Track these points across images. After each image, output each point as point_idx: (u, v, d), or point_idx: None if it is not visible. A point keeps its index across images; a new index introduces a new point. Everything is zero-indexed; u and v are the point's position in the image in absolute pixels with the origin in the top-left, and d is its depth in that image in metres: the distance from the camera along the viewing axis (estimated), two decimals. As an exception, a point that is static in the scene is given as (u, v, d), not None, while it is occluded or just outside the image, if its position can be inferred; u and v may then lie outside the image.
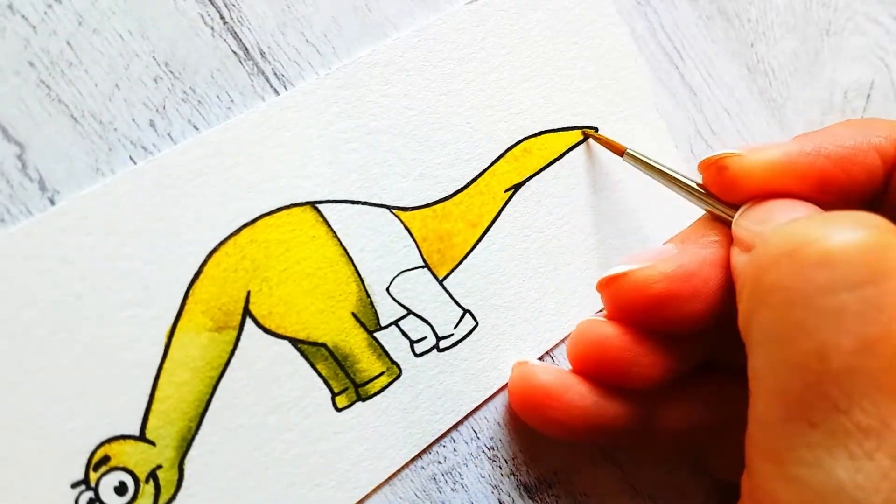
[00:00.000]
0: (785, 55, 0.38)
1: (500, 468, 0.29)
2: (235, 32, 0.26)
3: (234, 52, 0.26)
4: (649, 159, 0.28)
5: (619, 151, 0.29)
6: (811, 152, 0.23)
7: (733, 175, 0.24)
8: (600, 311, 0.28)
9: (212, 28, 0.25)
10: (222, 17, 0.25)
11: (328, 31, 0.27)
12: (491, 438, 0.29)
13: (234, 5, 0.26)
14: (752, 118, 0.36)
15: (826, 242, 0.19)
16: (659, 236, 0.33)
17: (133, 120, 0.24)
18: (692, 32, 0.35)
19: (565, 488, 0.30)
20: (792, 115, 0.38)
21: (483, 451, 0.29)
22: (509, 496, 0.29)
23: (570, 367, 0.27)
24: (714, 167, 0.25)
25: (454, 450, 0.28)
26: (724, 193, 0.25)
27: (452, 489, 0.28)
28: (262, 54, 0.26)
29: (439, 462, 0.28)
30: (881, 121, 0.24)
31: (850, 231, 0.19)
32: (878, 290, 0.18)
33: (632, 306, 0.25)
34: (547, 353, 0.30)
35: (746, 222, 0.24)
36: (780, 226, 0.21)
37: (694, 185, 0.27)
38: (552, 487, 0.29)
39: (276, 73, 0.26)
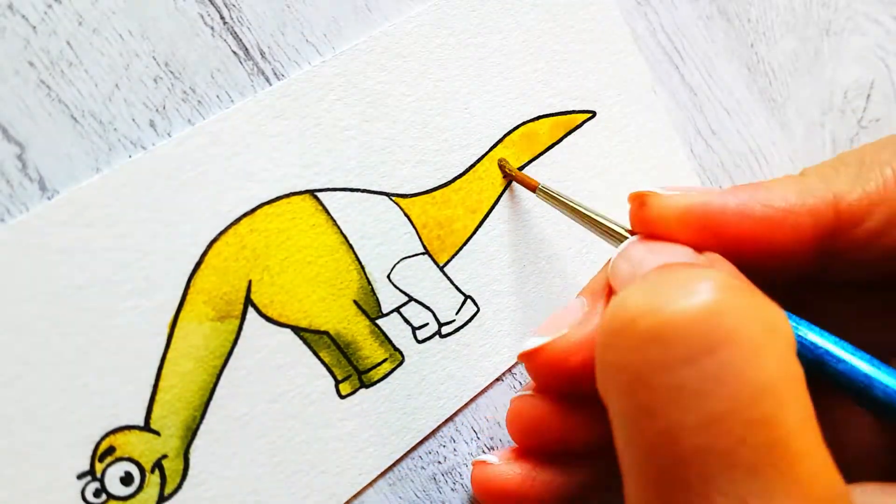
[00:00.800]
0: (785, 55, 0.37)
1: None
2: (235, 32, 0.26)
3: (234, 52, 0.26)
4: (561, 196, 0.27)
5: (532, 187, 0.28)
6: (734, 208, 0.21)
7: (649, 215, 0.22)
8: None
9: (212, 28, 0.25)
10: (222, 17, 0.25)
11: (328, 31, 0.27)
12: (491, 438, 0.29)
13: (234, 5, 0.26)
14: (752, 118, 0.36)
15: (657, 316, 0.17)
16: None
17: (133, 120, 0.24)
18: (692, 32, 0.35)
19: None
20: (792, 115, 0.38)
21: (483, 451, 0.29)
22: (509, 496, 0.29)
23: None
24: (636, 201, 0.23)
25: (454, 450, 0.28)
26: (641, 231, 0.23)
27: (452, 489, 0.28)
28: (262, 54, 0.26)
29: (439, 462, 0.28)
30: (825, 174, 0.22)
31: (682, 298, 0.17)
32: (715, 360, 0.16)
33: (554, 381, 0.24)
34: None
35: (617, 268, 0.22)
36: (615, 299, 0.19)
37: (605, 223, 0.25)
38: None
39: (276, 73, 0.26)
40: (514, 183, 0.30)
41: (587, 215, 0.26)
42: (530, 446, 0.26)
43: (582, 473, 0.25)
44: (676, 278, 0.18)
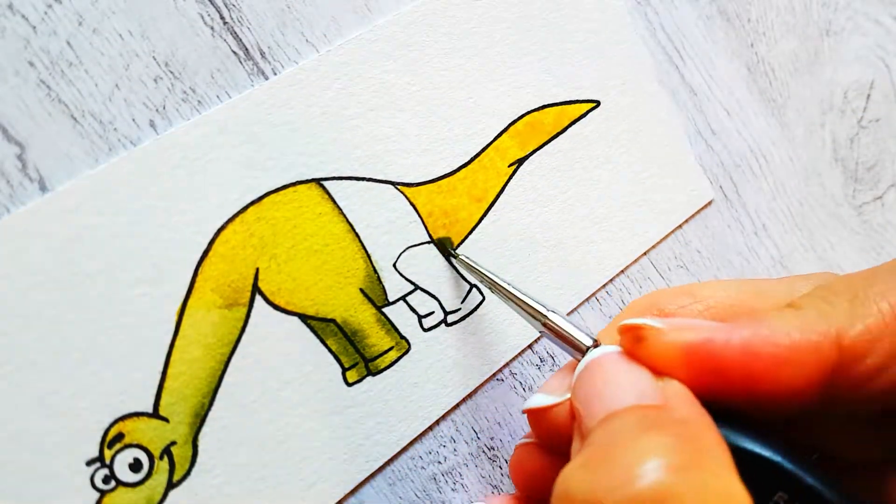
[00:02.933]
0: (785, 55, 0.38)
1: (501, 468, 0.29)
2: (235, 32, 0.26)
3: (234, 52, 0.26)
4: (501, 284, 0.26)
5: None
6: (738, 345, 0.20)
7: (648, 351, 0.21)
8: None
9: (212, 28, 0.25)
10: (222, 17, 0.25)
11: (328, 31, 0.27)
12: (491, 439, 0.29)
13: (234, 5, 0.26)
14: (752, 118, 0.37)
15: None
16: (663, 207, 0.33)
17: (133, 120, 0.24)
18: (692, 32, 0.35)
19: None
20: (792, 115, 0.38)
21: (483, 451, 0.29)
22: (509, 496, 0.29)
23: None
24: (631, 335, 0.22)
25: (454, 450, 0.28)
26: (639, 360, 0.22)
27: (452, 489, 0.28)
28: (262, 54, 0.26)
29: (439, 462, 0.28)
30: (820, 307, 0.21)
31: (627, 484, 0.17)
32: None
33: (555, 439, 0.24)
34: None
35: (578, 400, 0.22)
36: (563, 474, 0.19)
37: (565, 327, 0.24)
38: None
39: (276, 74, 0.26)
40: (518, 172, 0.30)
41: (541, 314, 0.25)
42: (531, 495, 0.26)
43: None
44: (623, 454, 0.18)
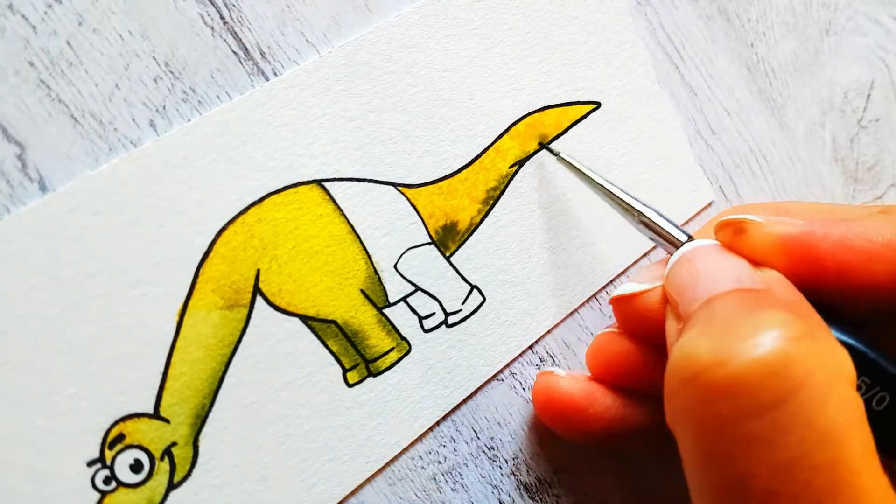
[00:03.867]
0: (785, 55, 0.38)
1: (500, 468, 0.29)
2: (235, 32, 0.26)
3: (234, 52, 0.26)
4: (609, 185, 0.27)
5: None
6: (836, 238, 0.22)
7: (750, 242, 0.23)
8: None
9: (212, 28, 0.25)
10: (222, 17, 0.25)
11: (328, 31, 0.27)
12: (491, 438, 0.29)
13: (234, 5, 0.26)
14: (752, 118, 0.37)
15: (724, 369, 0.18)
16: (664, 208, 0.33)
17: (133, 120, 0.24)
18: (692, 32, 0.35)
19: (566, 488, 0.30)
20: (792, 115, 0.38)
21: (483, 451, 0.29)
22: (509, 496, 0.29)
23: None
24: (731, 228, 0.23)
25: (454, 450, 0.28)
26: (739, 253, 0.24)
27: (452, 489, 0.28)
28: (262, 54, 0.26)
29: (439, 462, 0.28)
30: None
31: (749, 349, 0.18)
32: (784, 412, 0.17)
33: (640, 326, 0.25)
34: (553, 328, 0.30)
35: (673, 287, 0.23)
36: (682, 342, 0.19)
37: (659, 223, 0.25)
38: (552, 487, 0.30)
39: (276, 74, 0.26)
40: (519, 173, 0.30)
41: (637, 210, 0.26)
42: (605, 379, 0.27)
43: (646, 414, 0.26)
44: (743, 325, 0.18)
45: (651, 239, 0.26)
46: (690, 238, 0.24)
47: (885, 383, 0.21)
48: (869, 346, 0.21)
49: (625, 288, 0.25)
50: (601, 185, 0.27)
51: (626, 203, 0.26)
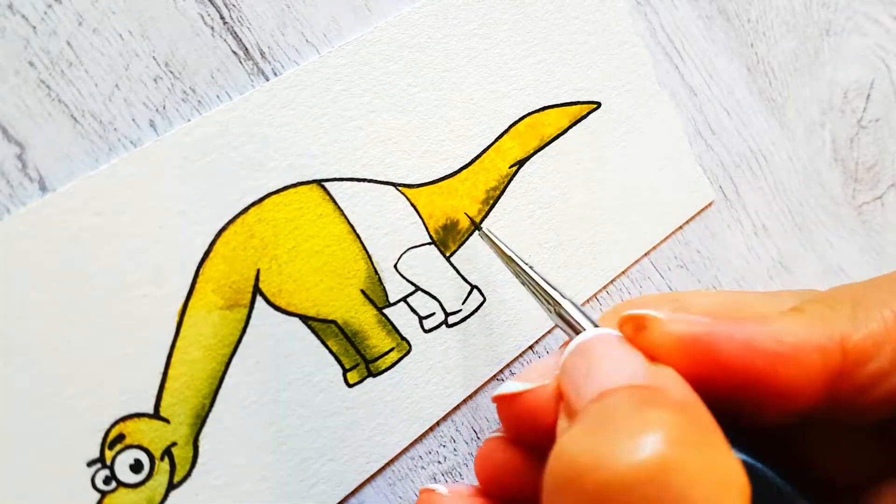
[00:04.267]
0: (785, 55, 0.38)
1: None
2: (235, 32, 0.26)
3: (234, 52, 0.26)
4: (512, 254, 0.26)
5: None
6: (741, 340, 0.20)
7: (649, 340, 0.21)
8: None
9: (212, 28, 0.25)
10: (222, 17, 0.25)
11: (328, 31, 0.27)
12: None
13: (234, 5, 0.26)
14: (752, 118, 0.37)
15: (602, 474, 0.17)
16: (664, 208, 0.33)
17: (133, 120, 0.24)
18: (692, 32, 0.35)
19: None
20: (792, 115, 0.38)
21: None
22: (509, 495, 0.29)
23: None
24: (631, 324, 0.22)
25: (454, 450, 0.28)
26: (638, 347, 0.22)
27: None
28: (262, 54, 0.26)
29: (439, 462, 0.28)
30: (823, 312, 0.21)
31: (629, 453, 0.16)
32: None
33: (526, 430, 0.23)
34: (554, 327, 0.30)
35: (565, 379, 0.21)
36: (561, 441, 0.18)
37: (565, 306, 0.24)
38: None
39: (276, 74, 0.26)
40: (519, 173, 0.30)
41: (539, 285, 0.25)
42: (493, 492, 0.25)
43: None
44: (625, 425, 0.17)
45: (559, 327, 0.24)
46: (594, 326, 0.23)
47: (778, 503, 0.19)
48: (764, 461, 0.20)
49: (507, 386, 0.23)
50: (521, 269, 0.25)
51: (543, 290, 0.25)
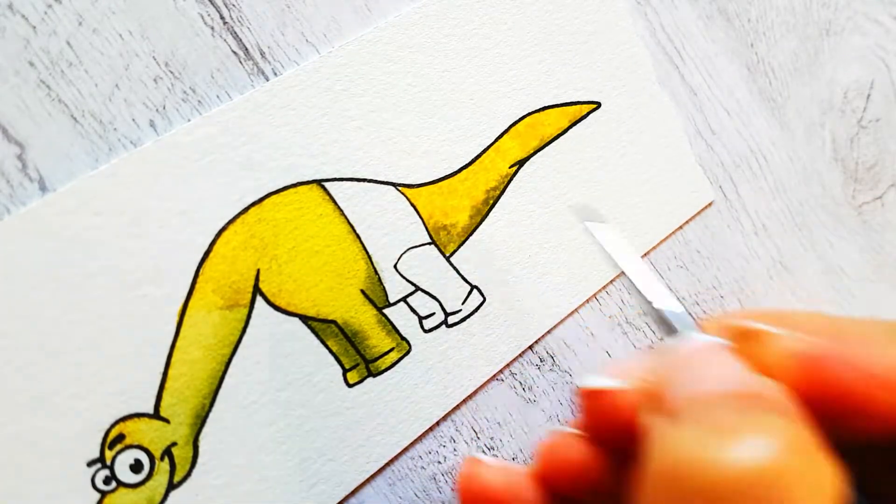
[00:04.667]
0: (785, 55, 0.38)
1: None
2: (235, 32, 0.26)
3: (234, 52, 0.26)
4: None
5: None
6: (857, 364, 0.20)
7: (763, 354, 0.21)
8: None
9: (212, 28, 0.25)
10: (222, 17, 0.25)
11: (328, 31, 0.27)
12: (491, 438, 0.29)
13: (234, 5, 0.26)
14: (752, 118, 0.37)
15: (711, 473, 0.17)
16: (664, 208, 0.33)
17: (133, 120, 0.24)
18: (692, 32, 0.35)
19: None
20: (792, 115, 0.38)
21: (483, 451, 0.29)
22: (509, 494, 0.29)
23: (532, 467, 0.25)
24: (741, 333, 0.22)
25: (454, 450, 0.28)
26: (745, 358, 0.22)
27: (452, 489, 0.28)
28: (262, 54, 0.26)
29: (439, 462, 0.28)
30: None
31: (739, 455, 0.17)
32: None
33: (607, 427, 0.23)
34: (553, 327, 0.30)
35: (665, 377, 0.21)
36: (668, 439, 0.18)
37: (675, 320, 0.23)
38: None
39: (276, 73, 0.26)
40: (519, 173, 0.30)
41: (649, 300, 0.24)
42: (553, 483, 0.25)
43: None
44: (735, 426, 0.18)
45: (661, 329, 0.24)
46: (698, 331, 0.23)
47: None
48: (853, 484, 0.19)
49: (598, 381, 0.22)
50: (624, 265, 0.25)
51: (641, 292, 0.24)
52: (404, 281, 0.27)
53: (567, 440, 0.24)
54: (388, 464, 0.27)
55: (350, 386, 0.26)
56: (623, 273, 0.25)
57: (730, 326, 0.22)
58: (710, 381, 0.20)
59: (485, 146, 0.29)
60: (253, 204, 0.25)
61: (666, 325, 0.23)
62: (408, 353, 0.27)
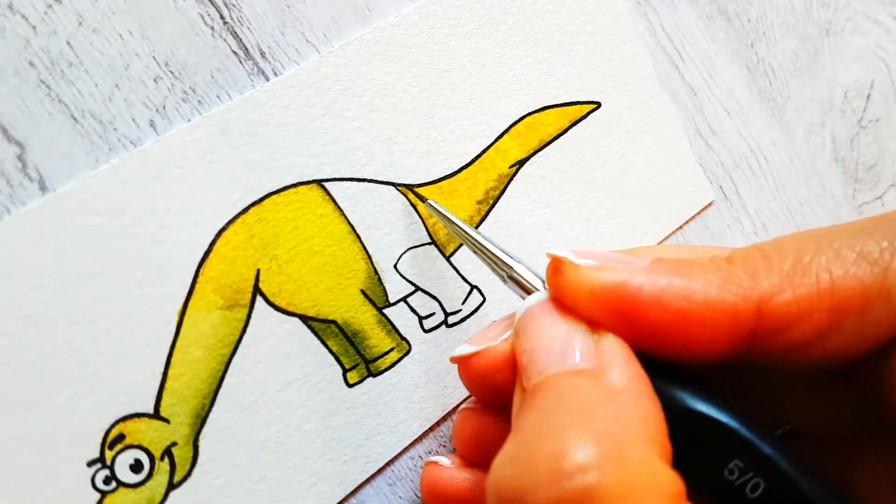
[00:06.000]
0: (785, 55, 0.38)
1: None
2: (235, 32, 0.26)
3: (234, 52, 0.26)
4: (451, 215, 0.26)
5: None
6: (648, 295, 0.19)
7: (562, 283, 0.21)
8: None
9: (212, 28, 0.25)
10: (222, 17, 0.25)
11: (328, 31, 0.27)
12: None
13: (234, 5, 0.26)
14: (752, 118, 0.37)
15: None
16: (664, 208, 0.33)
17: (133, 120, 0.24)
18: (692, 32, 0.35)
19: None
20: (792, 115, 0.38)
21: None
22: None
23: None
24: (552, 265, 0.21)
25: (454, 450, 0.28)
26: (558, 295, 0.21)
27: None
28: (262, 54, 0.26)
29: (439, 462, 0.28)
30: (755, 264, 0.20)
31: (550, 487, 0.17)
32: None
33: (485, 392, 0.23)
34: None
35: (522, 332, 0.21)
36: (494, 464, 0.18)
37: (516, 268, 0.24)
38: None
39: (276, 74, 0.26)
40: (519, 173, 0.30)
41: (490, 251, 0.24)
42: (475, 460, 0.25)
43: None
44: (546, 455, 0.17)
45: (515, 293, 0.24)
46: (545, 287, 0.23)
47: (760, 467, 0.19)
48: (742, 423, 0.19)
49: (461, 349, 0.23)
50: (470, 237, 0.25)
51: (493, 255, 0.24)
52: (404, 281, 0.27)
53: (470, 414, 0.25)
54: (388, 464, 0.27)
55: (350, 386, 0.26)
56: (472, 244, 0.25)
57: (548, 254, 0.21)
58: (544, 358, 0.20)
59: (485, 146, 0.29)
60: (253, 204, 0.25)
61: (521, 287, 0.23)
62: (408, 353, 0.27)
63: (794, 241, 0.20)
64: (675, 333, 0.19)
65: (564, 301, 0.21)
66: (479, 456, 0.25)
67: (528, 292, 0.23)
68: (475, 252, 0.25)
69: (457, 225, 0.26)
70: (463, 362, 0.23)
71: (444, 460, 0.26)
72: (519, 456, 0.18)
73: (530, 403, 0.19)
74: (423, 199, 0.28)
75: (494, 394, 0.23)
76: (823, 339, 0.19)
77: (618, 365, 0.19)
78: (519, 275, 0.23)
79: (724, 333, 0.19)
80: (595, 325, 0.20)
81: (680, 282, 0.19)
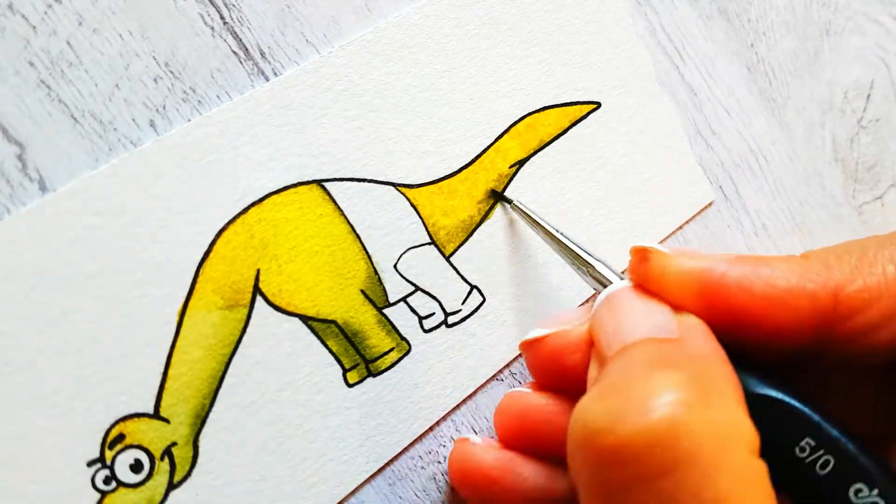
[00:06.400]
0: (785, 55, 0.38)
1: None
2: (235, 32, 0.26)
3: (234, 52, 0.26)
4: (547, 225, 0.27)
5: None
6: (734, 279, 0.21)
7: (650, 271, 0.22)
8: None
9: (212, 28, 0.25)
10: (222, 17, 0.25)
11: (328, 31, 0.27)
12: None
13: (234, 5, 0.26)
14: (752, 118, 0.37)
15: (615, 436, 0.18)
16: (664, 208, 0.33)
17: (133, 120, 0.24)
18: (692, 32, 0.35)
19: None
20: (792, 115, 0.38)
21: None
22: (509, 495, 0.29)
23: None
24: (637, 255, 0.23)
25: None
26: (642, 282, 0.23)
27: (452, 489, 0.28)
28: (262, 54, 0.26)
29: (439, 462, 0.28)
30: (827, 260, 0.22)
31: (641, 416, 0.17)
32: (671, 482, 0.17)
33: (551, 376, 0.24)
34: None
35: (595, 329, 0.22)
36: (579, 404, 0.19)
37: (594, 262, 0.25)
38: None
39: (276, 74, 0.26)
40: (519, 173, 0.30)
41: (572, 250, 0.26)
42: (514, 444, 0.26)
43: (562, 481, 0.25)
44: (637, 389, 0.18)
45: (592, 287, 0.25)
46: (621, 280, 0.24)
47: (829, 447, 0.20)
48: (812, 407, 0.21)
49: (533, 332, 0.24)
50: (552, 235, 0.27)
51: (574, 254, 0.26)
52: (404, 281, 0.27)
53: (519, 396, 0.25)
54: (388, 464, 0.27)
55: (350, 386, 0.26)
56: (554, 242, 0.27)
57: (632, 248, 0.23)
58: (628, 329, 0.21)
59: (485, 146, 0.29)
60: (253, 204, 0.25)
61: (601, 284, 0.25)
62: (408, 353, 0.27)
63: (857, 242, 0.22)
64: (759, 316, 0.21)
65: (649, 287, 0.22)
66: (518, 435, 0.26)
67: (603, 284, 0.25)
68: (559, 253, 0.27)
69: (541, 226, 0.27)
70: (534, 343, 0.24)
71: (476, 438, 0.27)
72: (607, 393, 0.19)
73: (616, 358, 0.20)
74: (508, 200, 0.29)
75: (560, 376, 0.24)
76: (890, 321, 0.21)
77: (700, 336, 0.21)
78: (600, 274, 0.25)
79: (806, 318, 0.21)
80: (678, 308, 0.22)
81: (764, 270, 0.21)
